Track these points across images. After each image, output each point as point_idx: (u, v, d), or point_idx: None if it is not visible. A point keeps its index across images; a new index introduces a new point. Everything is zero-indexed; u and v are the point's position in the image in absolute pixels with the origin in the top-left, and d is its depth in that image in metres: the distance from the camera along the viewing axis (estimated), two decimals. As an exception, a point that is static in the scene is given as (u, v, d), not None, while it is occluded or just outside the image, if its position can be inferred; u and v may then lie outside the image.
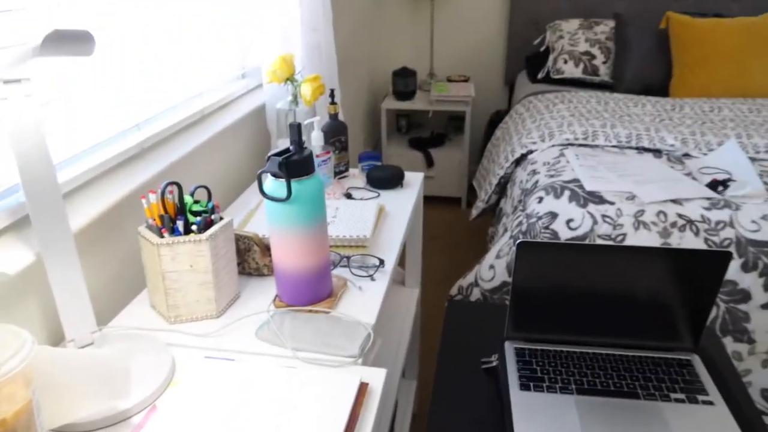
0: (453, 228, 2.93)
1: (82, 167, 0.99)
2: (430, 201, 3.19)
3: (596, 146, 1.86)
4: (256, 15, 1.53)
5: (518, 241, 0.88)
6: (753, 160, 1.75)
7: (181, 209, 0.93)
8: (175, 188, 0.92)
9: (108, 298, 0.98)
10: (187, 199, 0.95)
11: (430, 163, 3.03)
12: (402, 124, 3.30)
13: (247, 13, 1.60)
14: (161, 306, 0.91)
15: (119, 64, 1.10)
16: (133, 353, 0.80)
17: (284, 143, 1.48)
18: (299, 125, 0.90)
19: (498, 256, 1.52)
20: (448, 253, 2.70)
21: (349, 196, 1.37)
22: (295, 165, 0.87)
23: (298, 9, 1.54)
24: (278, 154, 0.88)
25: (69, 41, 0.47)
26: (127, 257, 1.02)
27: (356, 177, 1.50)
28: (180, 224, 0.90)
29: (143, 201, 0.91)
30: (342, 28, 2.47)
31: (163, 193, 0.90)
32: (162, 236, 0.88)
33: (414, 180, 1.48)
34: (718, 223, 1.42)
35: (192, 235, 0.88)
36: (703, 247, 1.39)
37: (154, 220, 0.90)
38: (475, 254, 2.68)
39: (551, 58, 2.74)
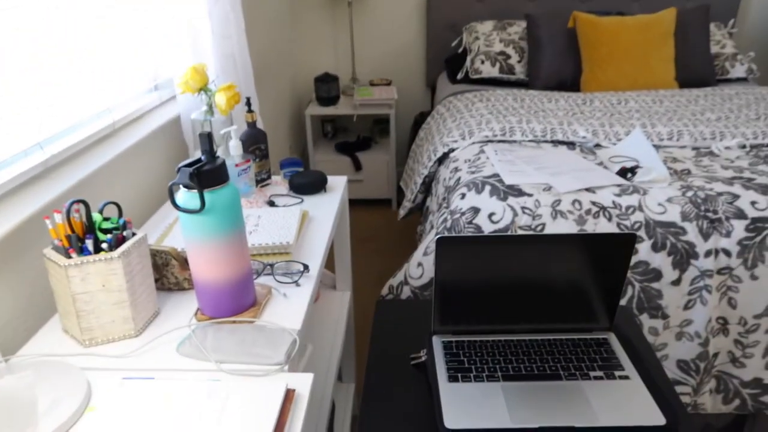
0: (384, 229, 2.95)
1: (-22, 190, 0.93)
2: (360, 204, 3.20)
3: (514, 141, 1.92)
4: (165, 25, 1.49)
5: (437, 237, 0.90)
6: (657, 147, 1.86)
7: (90, 228, 0.89)
8: (81, 206, 0.88)
9: (15, 328, 0.92)
10: (96, 216, 0.91)
11: (358, 166, 3.04)
12: (328, 129, 3.29)
13: (155, 24, 1.56)
14: (74, 330, 0.87)
15: (18, 77, 1.04)
16: (42, 381, 0.76)
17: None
18: (209, 134, 0.88)
19: (425, 253, 1.54)
20: (381, 255, 2.71)
21: (271, 203, 1.35)
22: (207, 175, 0.85)
23: (208, 20, 1.51)
24: (189, 165, 0.86)
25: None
26: (35, 282, 0.97)
27: (279, 184, 1.48)
28: (89, 243, 0.86)
29: (47, 222, 0.86)
30: (257, 36, 2.44)
31: (68, 212, 0.86)
32: (69, 257, 0.84)
33: (337, 184, 1.48)
34: (628, 207, 1.50)
35: (102, 253, 0.85)
36: (616, 231, 1.46)
37: (60, 240, 0.86)
38: (407, 253, 2.71)
39: (469, 59, 2.81)
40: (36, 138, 1.09)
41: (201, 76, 1.38)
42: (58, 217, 0.86)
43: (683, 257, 1.45)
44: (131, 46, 1.47)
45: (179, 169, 0.85)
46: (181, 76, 1.39)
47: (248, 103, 1.43)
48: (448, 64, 3.02)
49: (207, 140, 0.88)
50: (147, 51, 1.56)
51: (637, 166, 1.67)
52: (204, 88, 1.40)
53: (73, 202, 0.86)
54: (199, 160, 0.88)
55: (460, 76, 2.84)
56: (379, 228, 2.97)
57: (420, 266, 1.53)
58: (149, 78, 1.59)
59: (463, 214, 1.52)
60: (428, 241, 1.56)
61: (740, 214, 1.47)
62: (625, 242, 0.94)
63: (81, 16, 1.24)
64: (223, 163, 0.88)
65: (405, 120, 3.42)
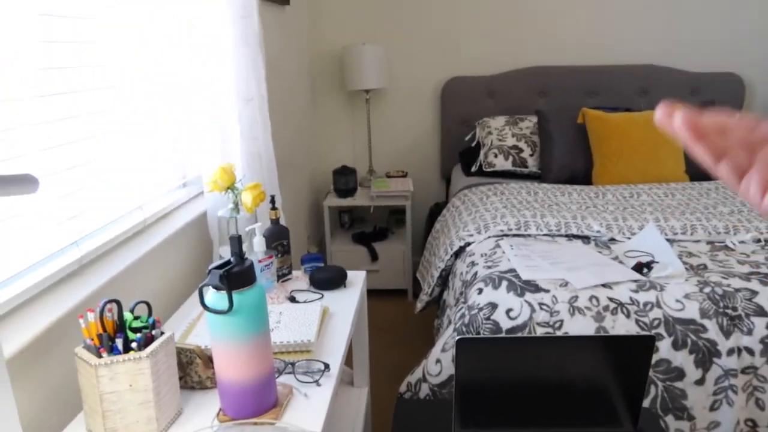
0: (401, 320, 2.94)
1: (17, 289, 0.97)
2: (376, 294, 3.21)
3: (529, 236, 1.96)
4: (197, 126, 1.59)
5: (457, 339, 0.91)
6: (671, 241, 1.88)
7: (121, 327, 0.92)
8: (114, 305, 0.91)
9: (40, 425, 0.93)
10: (127, 315, 0.95)
11: (374, 257, 3.08)
12: (345, 219, 3.37)
13: (188, 125, 1.66)
14: (98, 429, 0.88)
15: (56, 178, 1.11)
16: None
17: (226, 251, 1.50)
18: (239, 237, 0.93)
19: (444, 350, 1.54)
20: (397, 347, 2.69)
21: (292, 299, 1.38)
22: (236, 276, 0.89)
23: (237, 123, 1.61)
24: (219, 267, 0.90)
25: (14, 184, 0.49)
26: (63, 379, 0.99)
27: (299, 279, 1.51)
28: (119, 342, 0.89)
29: (81, 320, 0.90)
30: (281, 134, 2.57)
31: (101, 312, 0.89)
32: (100, 356, 0.86)
33: (357, 278, 1.51)
34: (646, 304, 1.50)
35: (132, 353, 0.87)
36: (635, 328, 1.46)
37: (92, 339, 0.88)
38: (424, 345, 2.68)
39: (482, 152, 2.91)
40: (73, 237, 1.15)
41: (229, 176, 1.45)
42: (91, 316, 0.90)
43: (705, 356, 1.43)
44: (165, 147, 1.56)
45: (210, 271, 0.89)
46: (210, 175, 1.47)
47: (272, 200, 1.50)
48: (462, 157, 3.12)
49: (237, 243, 0.93)
50: (179, 150, 1.66)
51: (652, 261, 1.69)
52: (231, 187, 1.47)
53: (107, 302, 0.90)
54: (228, 262, 0.92)
55: (474, 168, 2.92)
56: (396, 319, 2.96)
57: (438, 363, 1.53)
58: (179, 175, 1.68)
59: (480, 309, 1.53)
60: (446, 337, 1.56)
61: (760, 311, 1.46)
62: (645, 344, 0.95)
63: (120, 117, 1.33)
64: (251, 265, 0.92)
65: (420, 211, 3.49)
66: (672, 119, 0.43)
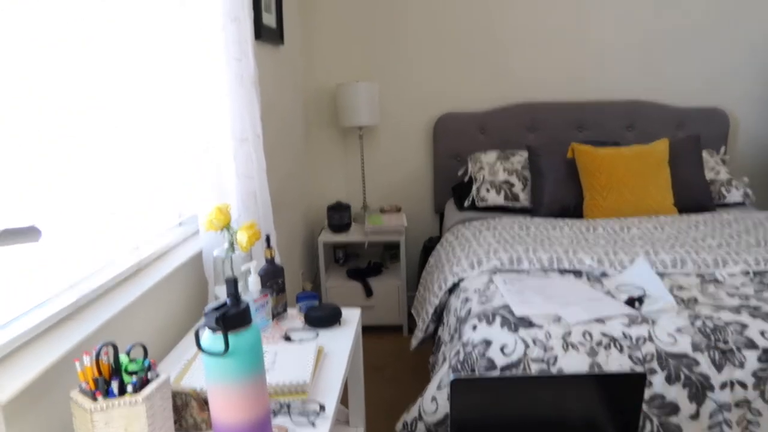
0: (396, 357, 2.93)
1: (12, 333, 0.98)
2: (371, 331, 3.20)
3: (522, 271, 1.98)
4: (191, 165, 1.61)
5: (451, 379, 0.92)
6: (662, 275, 1.90)
7: (116, 370, 0.92)
8: (110, 348, 0.92)
9: (34, 472, 0.93)
10: (123, 358, 0.95)
11: (369, 292, 3.08)
12: (339, 255, 3.38)
13: (182, 164, 1.68)
14: (93, 476, 0.87)
15: (51, 221, 1.12)
16: None
17: (221, 290, 1.50)
18: (235, 279, 0.94)
19: (439, 387, 1.54)
20: (393, 384, 2.67)
21: (287, 338, 1.38)
22: (231, 319, 0.90)
23: (233, 162, 1.63)
24: (215, 309, 0.91)
25: (19, 235, 0.51)
26: (60, 424, 0.99)
27: (294, 318, 1.52)
28: (115, 386, 0.89)
29: (77, 364, 0.90)
30: (276, 171, 2.60)
31: (98, 355, 0.90)
32: (95, 399, 0.87)
33: (351, 316, 1.52)
34: (638, 338, 1.51)
35: (127, 396, 0.87)
36: (629, 363, 1.46)
37: (88, 383, 0.89)
38: (419, 382, 2.67)
39: (475, 187, 2.95)
40: (69, 280, 1.16)
41: (225, 216, 1.47)
42: (87, 360, 0.90)
43: (699, 390, 1.44)
44: (161, 186, 1.58)
45: (206, 313, 0.90)
46: (206, 215, 1.49)
47: (267, 239, 1.51)
48: (455, 192, 3.15)
49: (233, 285, 0.94)
50: (175, 190, 1.68)
51: (644, 295, 1.70)
52: (227, 226, 1.49)
53: (103, 345, 0.90)
54: (224, 304, 0.93)
55: (467, 203, 2.96)
56: (391, 355, 2.95)
57: (434, 401, 1.52)
58: (175, 214, 1.69)
59: (475, 347, 1.53)
60: (441, 375, 1.56)
61: (751, 345, 1.48)
62: (636, 381, 0.96)
63: (117, 157, 1.36)
64: (247, 307, 0.93)
65: (414, 245, 3.51)
66: None
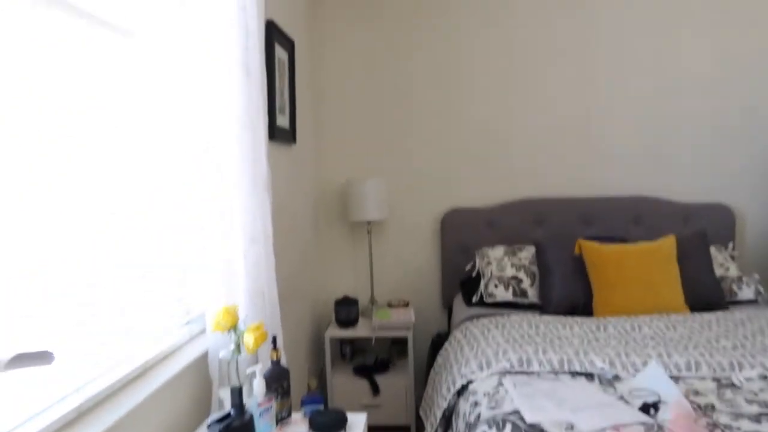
0: (403, 459, 2.81)
1: (13, 443, 0.96)
2: (378, 431, 3.09)
3: (532, 373, 1.93)
4: (201, 265, 1.63)
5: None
6: (676, 378, 1.85)
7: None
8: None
9: None
10: (122, 472, 0.93)
11: (375, 390, 3.00)
12: (346, 350, 3.32)
13: (192, 263, 1.71)
14: None
15: (57, 324, 1.13)
16: None
17: (226, 392, 1.48)
18: (240, 389, 0.93)
19: (448, 500, 1.47)
20: (400, 490, 2.54)
21: (291, 446, 1.34)
22: (235, 431, 0.88)
23: (243, 261, 1.66)
24: (219, 420, 0.90)
25: (31, 359, 0.52)
26: None
27: (298, 423, 1.48)
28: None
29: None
30: (285, 267, 2.62)
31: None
32: None
33: (357, 422, 1.48)
34: (655, 449, 1.45)
35: None
36: (646, 476, 1.40)
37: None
38: (428, 489, 2.54)
39: (483, 283, 2.94)
40: (74, 383, 1.15)
41: (232, 317, 1.48)
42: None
43: (722, 507, 1.37)
44: (170, 286, 1.60)
45: (210, 425, 0.89)
46: (214, 315, 1.49)
47: (274, 341, 1.50)
48: (463, 287, 3.14)
49: (237, 395, 0.93)
50: (184, 289, 1.69)
51: (659, 401, 1.65)
52: (233, 327, 1.49)
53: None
54: (228, 415, 0.92)
55: (475, 299, 2.94)
56: (398, 457, 2.83)
57: None
58: (182, 313, 1.70)
59: (485, 455, 1.48)
60: (450, 485, 1.49)
61: (774, 457, 1.41)
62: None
63: (127, 257, 1.38)
64: (251, 418, 0.92)
65: (422, 340, 3.46)
66: None
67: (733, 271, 2.91)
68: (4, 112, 0.98)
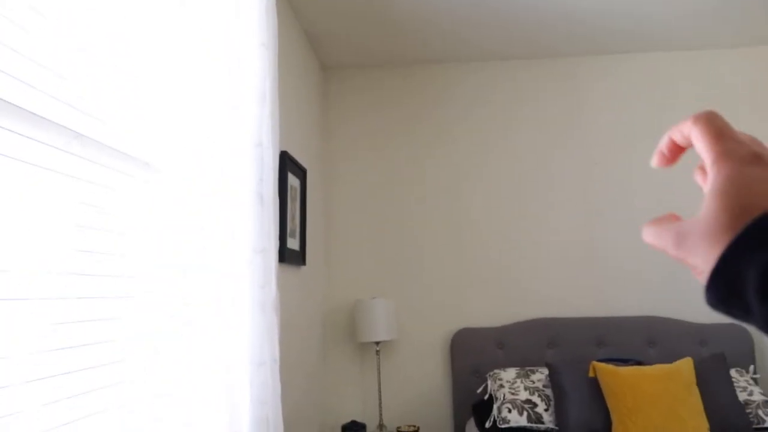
0: None
1: None
2: None
3: None
4: (206, 390, 1.61)
5: None
6: None
7: None
8: None
9: None
10: None
11: None
12: (353, 480, 3.14)
13: (197, 390, 1.68)
14: None
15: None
16: None
17: None
18: None
19: None
20: None
21: None
22: None
23: (248, 387, 1.64)
24: None
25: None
26: None
27: None
28: None
29: None
30: (291, 391, 2.56)
31: None
32: None
33: None
34: None
35: None
36: None
37: None
38: None
39: (495, 407, 2.84)
40: None
41: (235, 448, 1.43)
42: None
43: None
44: (176, 413, 1.57)
45: None
46: (215, 446, 1.45)
47: (277, 474, 1.44)
48: (475, 411, 3.03)
49: None
50: (186, 413, 1.65)
51: None
52: (236, 460, 1.44)
53: None
54: None
55: (488, 424, 2.82)
56: None
57: None
58: (184, 442, 1.64)
59: None
60: None
61: None
62: None
63: (130, 391, 1.37)
64: None
65: (434, 469, 3.27)
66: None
67: (758, 396, 2.79)
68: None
